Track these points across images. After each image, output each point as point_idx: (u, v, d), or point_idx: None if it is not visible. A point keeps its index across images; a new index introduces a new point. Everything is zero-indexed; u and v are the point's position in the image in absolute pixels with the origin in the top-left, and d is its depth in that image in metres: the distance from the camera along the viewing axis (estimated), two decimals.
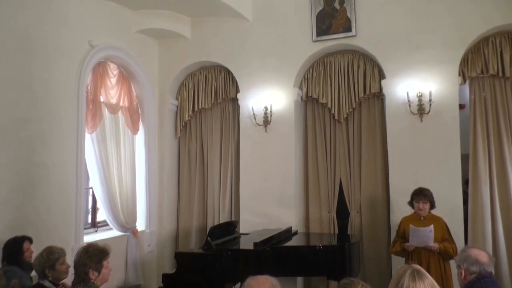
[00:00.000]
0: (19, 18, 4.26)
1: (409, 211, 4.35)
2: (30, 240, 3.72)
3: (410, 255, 4.15)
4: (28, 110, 4.33)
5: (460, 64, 5.03)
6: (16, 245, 3.62)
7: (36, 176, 4.38)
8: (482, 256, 2.67)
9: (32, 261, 3.64)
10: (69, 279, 2.98)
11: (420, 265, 2.74)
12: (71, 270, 2.98)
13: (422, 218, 4.14)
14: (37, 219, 4.33)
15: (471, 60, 5.05)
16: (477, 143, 5.00)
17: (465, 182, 5.28)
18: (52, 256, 3.07)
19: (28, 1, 4.37)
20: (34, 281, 3.34)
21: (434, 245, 3.97)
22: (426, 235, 3.95)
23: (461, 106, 5.30)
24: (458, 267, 2.73)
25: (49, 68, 4.58)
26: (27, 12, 4.36)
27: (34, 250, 3.72)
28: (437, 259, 4.05)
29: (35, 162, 4.37)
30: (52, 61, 4.62)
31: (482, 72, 5.01)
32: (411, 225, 4.03)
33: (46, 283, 3.05)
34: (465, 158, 5.05)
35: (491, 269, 2.66)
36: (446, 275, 4.06)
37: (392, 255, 4.71)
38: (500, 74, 4.91)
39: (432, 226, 3.97)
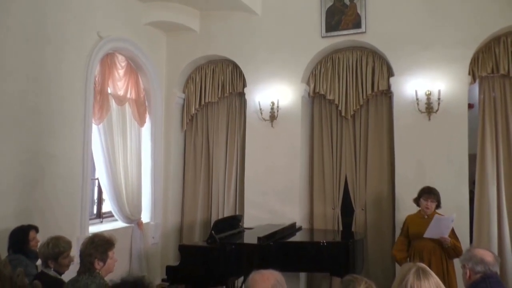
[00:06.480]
0: (30, 10, 4.27)
1: (414, 209, 4.33)
2: (36, 229, 3.74)
3: (412, 253, 4.15)
4: (37, 101, 4.35)
5: (471, 63, 4.97)
6: (22, 234, 3.63)
7: (44, 166, 4.41)
8: (488, 256, 2.66)
9: (37, 249, 3.67)
10: (72, 270, 3.00)
11: (422, 262, 2.74)
12: (76, 261, 2.99)
13: (426, 217, 4.14)
14: (43, 208, 4.37)
15: (481, 60, 4.99)
16: (485, 143, 4.95)
17: (473, 182, 5.25)
18: (57, 249, 3.08)
19: None
20: (39, 270, 3.37)
21: (448, 238, 3.96)
22: (446, 226, 3.95)
23: (470, 106, 5.25)
24: (463, 266, 2.72)
25: (58, 59, 4.59)
26: (38, 4, 4.36)
27: (40, 239, 3.75)
28: (440, 257, 4.04)
29: (43, 152, 4.40)
30: (61, 52, 4.63)
31: (492, 72, 4.96)
32: (436, 215, 4.02)
33: (51, 272, 3.08)
34: (472, 158, 5.01)
35: (497, 269, 2.65)
36: (449, 274, 4.04)
37: None
38: (511, 74, 4.85)
39: (454, 216, 3.97)
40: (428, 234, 4.01)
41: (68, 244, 3.17)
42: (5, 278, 2.37)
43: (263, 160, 5.73)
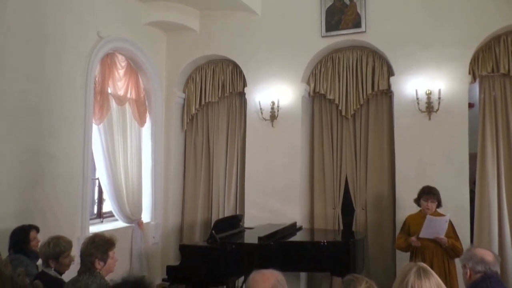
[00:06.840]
0: (30, 10, 4.27)
1: (415, 209, 4.33)
2: (36, 229, 3.74)
3: (414, 253, 4.14)
4: (37, 101, 4.34)
5: (471, 63, 4.97)
6: (23, 234, 3.63)
7: (44, 166, 4.41)
8: (488, 255, 2.65)
9: (38, 248, 3.68)
10: (73, 270, 3.00)
11: (423, 263, 2.74)
12: (76, 261, 3.00)
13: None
14: (44, 208, 4.37)
15: (482, 59, 4.99)
16: (485, 143, 4.95)
17: (473, 182, 5.25)
18: (58, 248, 3.10)
19: None
20: (40, 270, 3.37)
21: (444, 238, 3.95)
22: (441, 226, 3.94)
23: (470, 105, 5.25)
24: (464, 266, 2.72)
25: (58, 59, 4.59)
26: (38, 4, 4.36)
27: (41, 239, 3.75)
28: (441, 257, 4.04)
29: (44, 151, 4.40)
30: (61, 52, 4.63)
31: (492, 71, 4.95)
32: (428, 215, 4.00)
33: (52, 272, 3.09)
34: (473, 157, 5.01)
35: (497, 268, 2.65)
36: (450, 274, 4.03)
37: (397, 253, 4.70)
38: (511, 74, 4.85)
39: (448, 216, 3.96)
40: (423, 234, 4.00)
41: (69, 244, 3.18)
42: (6, 278, 2.37)
43: (264, 160, 5.73)
